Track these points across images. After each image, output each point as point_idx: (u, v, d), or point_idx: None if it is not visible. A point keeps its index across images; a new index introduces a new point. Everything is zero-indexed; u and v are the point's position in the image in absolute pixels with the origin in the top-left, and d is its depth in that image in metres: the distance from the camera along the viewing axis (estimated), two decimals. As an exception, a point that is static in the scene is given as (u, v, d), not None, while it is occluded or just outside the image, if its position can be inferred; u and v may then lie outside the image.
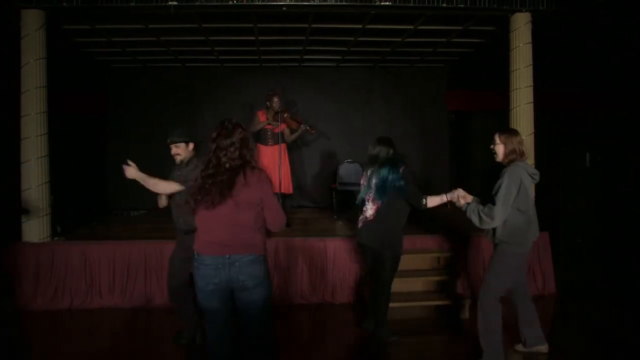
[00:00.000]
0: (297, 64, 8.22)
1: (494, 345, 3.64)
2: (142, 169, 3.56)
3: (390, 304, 4.40)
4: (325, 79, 8.41)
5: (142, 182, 3.54)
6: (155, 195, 3.89)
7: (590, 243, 7.57)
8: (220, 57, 7.72)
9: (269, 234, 2.96)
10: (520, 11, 5.49)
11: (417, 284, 5.22)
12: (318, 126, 7.84)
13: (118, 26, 6.09)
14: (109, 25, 6.06)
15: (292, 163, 7.73)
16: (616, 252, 7.27)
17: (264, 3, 5.19)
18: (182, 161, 4.04)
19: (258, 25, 5.98)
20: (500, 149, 3.71)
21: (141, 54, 7.46)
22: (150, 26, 6.03)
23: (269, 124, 6.34)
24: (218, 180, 2.78)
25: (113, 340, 4.49)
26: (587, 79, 8.50)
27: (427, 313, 5.06)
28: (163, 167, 4.25)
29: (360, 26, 6.06)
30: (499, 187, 3.53)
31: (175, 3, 5.11)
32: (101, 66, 8.07)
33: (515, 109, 5.65)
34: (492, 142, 3.74)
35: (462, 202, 3.76)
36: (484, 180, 8.78)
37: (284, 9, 5.26)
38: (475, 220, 3.60)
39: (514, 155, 3.64)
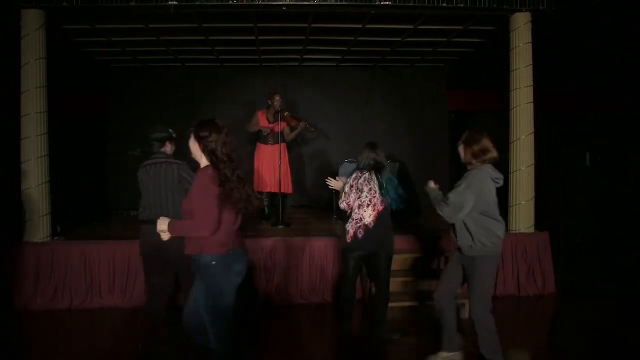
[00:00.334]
0: (297, 64, 8.21)
1: (498, 350, 3.63)
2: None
3: (391, 304, 4.41)
4: (325, 79, 8.40)
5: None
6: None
7: (590, 243, 7.57)
8: (220, 57, 7.72)
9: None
10: (521, 11, 5.49)
11: (417, 284, 5.22)
12: (318, 126, 7.84)
13: (118, 26, 6.08)
14: (109, 25, 6.05)
15: (292, 163, 7.72)
16: (616, 252, 7.26)
17: (264, 3, 5.20)
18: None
19: (258, 25, 5.98)
20: (460, 151, 3.68)
21: (141, 54, 7.46)
22: (150, 26, 6.03)
23: (264, 130, 6.37)
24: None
25: (113, 340, 4.50)
26: (587, 79, 8.49)
27: (428, 313, 5.05)
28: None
29: (361, 26, 6.06)
30: (456, 187, 3.53)
31: (175, 3, 5.12)
32: (101, 66, 8.07)
33: (515, 109, 5.65)
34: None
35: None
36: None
37: (284, 8, 5.26)
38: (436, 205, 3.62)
39: (475, 159, 3.60)
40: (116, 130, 8.14)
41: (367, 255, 4.17)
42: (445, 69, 8.55)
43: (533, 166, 5.65)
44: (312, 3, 5.22)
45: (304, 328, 4.82)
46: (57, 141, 5.78)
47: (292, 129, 6.57)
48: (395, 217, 4.28)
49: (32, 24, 5.21)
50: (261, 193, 6.72)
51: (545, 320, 5.20)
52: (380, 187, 4.06)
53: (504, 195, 5.79)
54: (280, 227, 6.17)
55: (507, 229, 5.69)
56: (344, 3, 5.23)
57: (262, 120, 6.49)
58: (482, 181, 3.52)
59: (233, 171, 2.94)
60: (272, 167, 6.46)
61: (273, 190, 6.50)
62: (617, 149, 8.30)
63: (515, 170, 5.66)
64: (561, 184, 7.98)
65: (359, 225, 4.06)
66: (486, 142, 3.62)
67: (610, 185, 8.03)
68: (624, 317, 4.91)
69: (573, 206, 7.82)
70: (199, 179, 2.91)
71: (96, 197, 8.10)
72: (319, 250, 5.35)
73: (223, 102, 8.21)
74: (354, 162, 7.40)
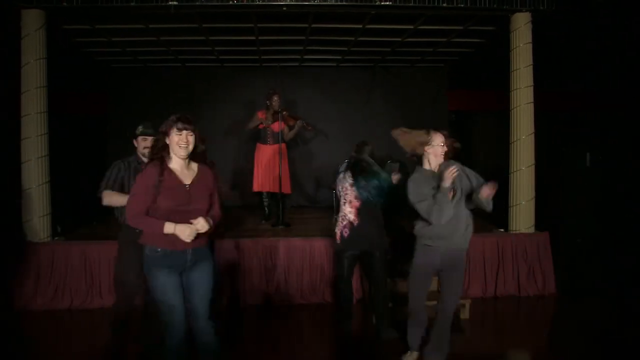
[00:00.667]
0: (297, 64, 8.21)
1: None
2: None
3: (391, 304, 4.41)
4: (325, 79, 8.40)
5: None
6: None
7: (590, 243, 7.56)
8: (220, 57, 7.72)
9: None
10: (521, 11, 5.49)
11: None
12: (318, 126, 7.84)
13: (118, 26, 6.08)
14: (109, 25, 6.05)
15: (292, 163, 7.72)
16: (616, 252, 7.26)
17: (264, 3, 5.20)
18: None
19: (258, 25, 5.98)
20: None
21: (141, 54, 7.46)
22: (150, 26, 6.03)
23: (261, 123, 6.36)
24: None
25: (113, 340, 4.49)
26: (587, 79, 8.49)
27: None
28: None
29: (361, 26, 6.06)
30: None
31: (175, 3, 5.12)
32: (101, 66, 8.07)
33: (515, 109, 5.65)
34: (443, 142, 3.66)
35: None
36: (485, 180, 8.78)
37: (284, 8, 5.26)
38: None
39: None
40: (116, 130, 8.13)
41: (359, 255, 4.20)
42: (445, 69, 8.56)
43: (533, 166, 5.65)
44: (312, 3, 5.22)
45: (304, 328, 4.82)
46: (57, 141, 5.77)
47: (290, 128, 6.57)
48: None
49: (32, 24, 5.21)
50: (261, 193, 6.74)
51: (545, 320, 5.20)
52: (354, 182, 4.12)
53: (504, 195, 5.81)
54: (280, 227, 6.17)
55: (507, 229, 5.76)
56: (344, 3, 5.23)
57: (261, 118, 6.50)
58: None
59: None
60: (271, 167, 6.46)
61: (273, 190, 6.50)
62: (617, 149, 8.29)
63: (515, 170, 5.66)
64: (561, 184, 7.98)
65: (344, 224, 4.16)
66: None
67: (610, 185, 8.03)
68: (624, 317, 4.91)
69: (573, 206, 7.81)
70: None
71: (96, 197, 8.07)
72: (319, 250, 5.35)
73: (223, 102, 8.21)
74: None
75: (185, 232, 2.92)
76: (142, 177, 2.98)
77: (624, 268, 6.53)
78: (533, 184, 5.67)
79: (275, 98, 6.34)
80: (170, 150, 3.00)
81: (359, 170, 4.11)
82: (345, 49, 7.20)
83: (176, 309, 3.02)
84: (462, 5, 5.28)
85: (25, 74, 5.25)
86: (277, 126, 6.32)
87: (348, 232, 4.13)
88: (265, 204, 6.70)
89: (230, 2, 5.17)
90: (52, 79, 5.42)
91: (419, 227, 3.57)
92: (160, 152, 3.00)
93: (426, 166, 3.59)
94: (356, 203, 4.12)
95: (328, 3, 5.23)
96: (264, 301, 5.24)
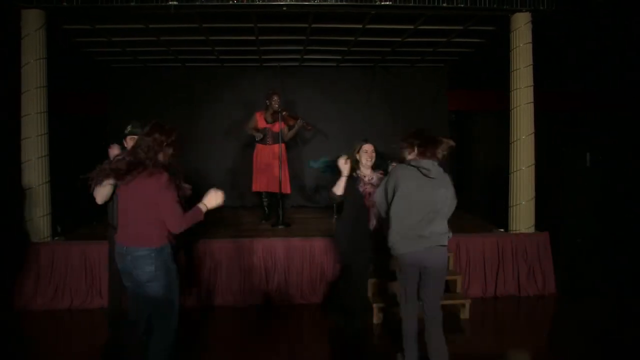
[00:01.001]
0: (297, 64, 8.21)
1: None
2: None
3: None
4: (325, 79, 8.40)
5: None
6: None
7: (590, 243, 7.57)
8: (220, 57, 7.72)
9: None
10: (521, 11, 5.49)
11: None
12: (318, 126, 7.84)
13: (118, 26, 6.08)
14: (109, 25, 6.05)
15: (292, 163, 7.72)
16: (616, 252, 7.27)
17: (264, 3, 5.20)
18: None
19: (258, 25, 5.98)
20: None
21: (141, 54, 7.46)
22: (150, 26, 6.03)
23: (257, 135, 6.39)
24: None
25: (113, 340, 4.49)
26: (587, 79, 8.50)
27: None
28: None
29: (361, 26, 6.06)
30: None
31: (175, 3, 5.11)
32: (101, 66, 8.07)
33: (515, 109, 5.65)
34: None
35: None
36: (485, 180, 8.79)
37: (284, 8, 5.26)
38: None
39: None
40: (116, 130, 8.11)
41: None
42: (445, 69, 8.55)
43: (533, 166, 5.65)
44: (312, 3, 5.22)
45: (304, 328, 4.82)
46: (57, 141, 5.77)
47: (290, 128, 6.57)
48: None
49: (32, 24, 5.21)
50: (260, 193, 6.74)
51: (545, 320, 5.21)
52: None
53: (504, 195, 5.82)
54: (280, 227, 6.17)
55: (507, 229, 5.76)
56: (344, 3, 5.23)
57: (260, 121, 6.50)
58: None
59: None
60: (271, 167, 6.46)
61: (272, 190, 6.50)
62: (617, 149, 8.30)
63: (515, 170, 5.65)
64: (561, 184, 7.99)
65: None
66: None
67: (610, 185, 8.03)
68: (624, 317, 4.91)
69: (573, 206, 7.82)
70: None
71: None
72: (319, 250, 5.35)
73: (223, 102, 8.21)
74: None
75: (218, 197, 3.24)
76: (170, 188, 3.01)
77: (624, 268, 6.54)
78: (533, 184, 5.67)
79: (275, 98, 6.34)
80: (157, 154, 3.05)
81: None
82: (345, 49, 7.20)
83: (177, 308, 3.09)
84: (462, 5, 5.28)
85: (25, 74, 5.25)
86: (276, 126, 6.32)
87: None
88: (265, 204, 6.70)
89: (230, 2, 5.17)
90: (52, 79, 5.42)
91: None
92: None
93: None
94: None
95: (328, 3, 5.23)
96: (264, 301, 5.24)
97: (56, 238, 5.49)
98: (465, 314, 4.88)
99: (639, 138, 8.34)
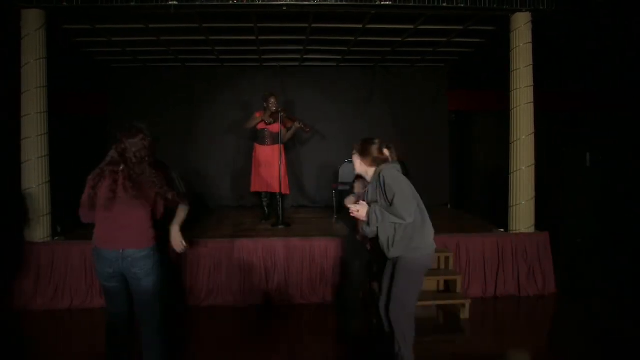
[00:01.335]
0: (297, 64, 8.21)
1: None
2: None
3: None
4: (325, 79, 8.40)
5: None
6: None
7: (590, 243, 7.57)
8: (221, 57, 7.72)
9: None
10: (521, 11, 5.49)
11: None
12: (318, 126, 7.84)
13: (118, 26, 6.08)
14: (109, 25, 6.05)
15: (292, 163, 7.72)
16: (616, 252, 7.27)
17: (264, 3, 5.19)
18: None
19: (258, 25, 5.98)
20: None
21: (141, 54, 7.46)
22: (150, 26, 6.03)
23: (262, 121, 6.37)
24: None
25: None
26: (587, 79, 8.50)
27: (428, 313, 5.06)
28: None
29: (361, 26, 6.06)
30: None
31: (175, 3, 5.11)
32: (101, 66, 8.07)
33: (515, 109, 5.65)
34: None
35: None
36: (485, 180, 8.79)
37: (285, 8, 5.26)
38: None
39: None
40: (116, 130, 8.12)
41: None
42: (446, 69, 8.56)
43: (533, 166, 5.65)
44: (312, 3, 5.22)
45: (304, 328, 4.82)
46: (57, 141, 5.77)
47: (288, 129, 6.58)
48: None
49: (32, 24, 5.21)
50: (260, 193, 6.74)
51: (545, 320, 5.21)
52: None
53: (504, 195, 5.82)
54: (280, 227, 6.17)
55: (507, 229, 5.76)
56: (344, 3, 5.23)
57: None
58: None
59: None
60: (270, 167, 6.46)
61: (272, 191, 6.50)
62: (617, 149, 8.30)
63: (515, 170, 5.65)
64: (561, 184, 7.99)
65: None
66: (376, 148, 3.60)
67: (610, 185, 8.03)
68: (624, 316, 4.91)
69: (573, 206, 7.82)
70: None
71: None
72: (319, 250, 5.34)
73: (223, 102, 8.22)
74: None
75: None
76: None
77: (624, 268, 6.54)
78: (533, 184, 5.67)
79: (272, 100, 6.34)
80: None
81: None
82: (345, 49, 7.20)
83: None
84: (462, 5, 5.28)
85: (25, 74, 5.25)
86: (275, 127, 6.32)
87: None
88: (265, 204, 6.70)
89: (230, 2, 5.16)
90: (52, 79, 5.42)
91: None
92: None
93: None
94: None
95: (328, 3, 5.23)
96: (264, 301, 5.24)
97: (56, 238, 5.49)
98: (465, 314, 4.88)
99: (639, 138, 8.34)
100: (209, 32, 6.30)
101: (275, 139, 6.35)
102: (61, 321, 4.91)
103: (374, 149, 3.56)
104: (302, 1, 5.21)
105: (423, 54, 7.62)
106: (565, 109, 8.84)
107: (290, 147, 7.80)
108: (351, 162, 3.85)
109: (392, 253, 3.39)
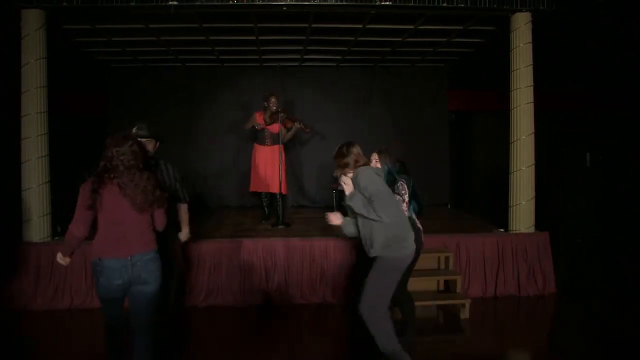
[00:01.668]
0: (297, 64, 8.21)
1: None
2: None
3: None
4: (325, 79, 8.40)
5: None
6: None
7: (590, 243, 7.57)
8: (221, 57, 7.72)
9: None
10: (521, 11, 5.49)
11: (417, 284, 5.22)
12: (318, 126, 7.83)
13: (118, 26, 6.08)
14: (109, 25, 6.05)
15: (292, 163, 7.71)
16: (616, 252, 7.27)
17: (264, 3, 5.19)
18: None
19: (258, 25, 5.98)
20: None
21: (141, 54, 7.46)
22: (150, 26, 6.03)
23: (258, 126, 6.37)
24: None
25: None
26: (587, 79, 8.50)
27: (428, 313, 5.06)
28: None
29: (361, 26, 6.06)
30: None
31: (175, 3, 5.11)
32: (101, 66, 8.07)
33: (515, 109, 5.65)
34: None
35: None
36: (485, 180, 8.79)
37: (285, 8, 5.26)
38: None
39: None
40: (116, 130, 8.11)
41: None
42: (446, 69, 8.56)
43: (533, 166, 5.65)
44: (312, 3, 5.22)
45: (304, 328, 4.82)
46: (57, 141, 5.78)
47: (288, 130, 6.58)
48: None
49: (32, 24, 5.21)
50: (260, 193, 6.74)
51: (545, 320, 5.21)
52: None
53: (504, 195, 5.82)
54: (280, 227, 6.17)
55: (507, 229, 5.76)
56: (344, 3, 5.23)
57: (259, 121, 6.49)
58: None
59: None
60: (268, 168, 6.46)
61: (272, 191, 6.50)
62: (617, 149, 8.30)
63: (515, 170, 5.65)
64: (561, 184, 7.99)
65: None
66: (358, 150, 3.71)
67: (610, 185, 8.03)
68: (624, 316, 4.91)
69: (573, 206, 7.82)
70: None
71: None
72: (319, 250, 5.35)
73: (223, 102, 8.22)
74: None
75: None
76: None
77: (624, 268, 6.54)
78: (533, 184, 5.67)
79: (273, 100, 6.34)
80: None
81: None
82: (345, 49, 7.20)
83: None
84: (462, 5, 5.28)
85: (25, 74, 5.25)
86: (275, 127, 6.32)
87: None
88: (265, 204, 6.71)
89: (230, 2, 5.16)
90: (52, 79, 5.42)
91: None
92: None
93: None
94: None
95: (328, 3, 5.23)
96: (264, 301, 5.25)
97: (56, 238, 5.49)
98: (465, 314, 4.88)
99: (639, 138, 8.34)
100: (209, 32, 6.30)
101: (275, 139, 6.35)
102: (61, 321, 4.91)
103: (350, 159, 3.71)
104: (302, 1, 5.21)
105: (423, 54, 7.62)
106: (565, 109, 8.84)
107: (290, 147, 7.79)
108: None
109: (372, 252, 3.42)
